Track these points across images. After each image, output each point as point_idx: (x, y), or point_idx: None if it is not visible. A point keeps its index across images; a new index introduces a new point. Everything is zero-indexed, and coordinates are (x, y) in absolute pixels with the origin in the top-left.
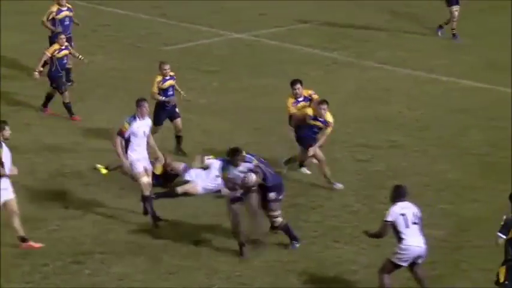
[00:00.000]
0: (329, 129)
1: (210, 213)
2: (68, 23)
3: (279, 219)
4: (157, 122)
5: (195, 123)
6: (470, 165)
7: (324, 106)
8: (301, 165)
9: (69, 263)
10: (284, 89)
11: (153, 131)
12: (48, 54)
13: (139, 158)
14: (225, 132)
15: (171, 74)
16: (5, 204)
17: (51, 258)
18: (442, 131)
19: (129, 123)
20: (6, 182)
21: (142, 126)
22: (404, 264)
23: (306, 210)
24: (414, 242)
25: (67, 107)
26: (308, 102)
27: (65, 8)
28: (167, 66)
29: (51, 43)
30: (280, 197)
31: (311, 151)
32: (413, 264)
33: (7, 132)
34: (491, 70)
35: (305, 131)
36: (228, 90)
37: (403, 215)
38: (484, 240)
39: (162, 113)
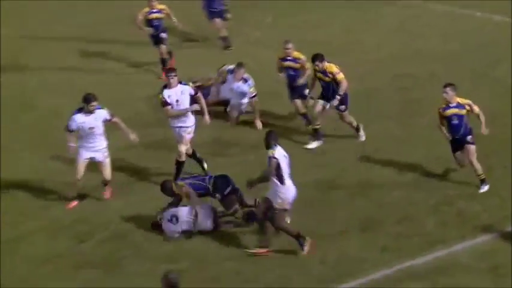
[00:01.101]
0: (476, 108)
1: None
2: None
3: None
4: (290, 98)
5: (250, 53)
6: (501, 94)
7: (447, 89)
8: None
9: None
10: (329, 23)
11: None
12: (140, 16)
13: (179, 125)
14: (275, 63)
15: (296, 55)
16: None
17: None
18: (475, 63)
19: (161, 94)
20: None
21: (174, 95)
22: (289, 206)
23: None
24: (291, 184)
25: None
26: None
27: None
28: (289, 45)
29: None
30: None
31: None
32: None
33: (92, 106)
34: None
35: (449, 130)
36: (280, 24)
37: (285, 156)
38: None
39: (290, 91)
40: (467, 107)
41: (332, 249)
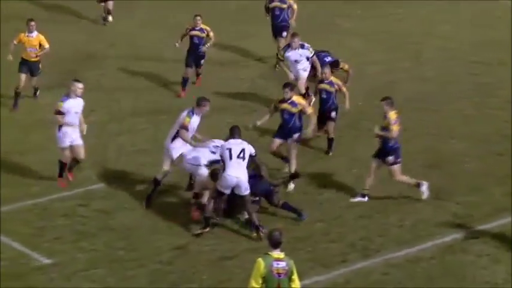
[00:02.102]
0: (393, 129)
1: None
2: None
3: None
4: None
5: (340, 42)
6: None
7: (382, 102)
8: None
9: None
10: (411, 15)
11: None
12: (184, 31)
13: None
14: (363, 50)
15: (335, 80)
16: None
17: None
18: None
19: (189, 117)
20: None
21: (197, 121)
22: (225, 191)
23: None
24: (233, 172)
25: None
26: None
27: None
28: (326, 70)
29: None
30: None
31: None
32: (239, 197)
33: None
34: None
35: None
36: (368, 16)
37: (229, 149)
38: None
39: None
40: (387, 123)
41: (409, 214)
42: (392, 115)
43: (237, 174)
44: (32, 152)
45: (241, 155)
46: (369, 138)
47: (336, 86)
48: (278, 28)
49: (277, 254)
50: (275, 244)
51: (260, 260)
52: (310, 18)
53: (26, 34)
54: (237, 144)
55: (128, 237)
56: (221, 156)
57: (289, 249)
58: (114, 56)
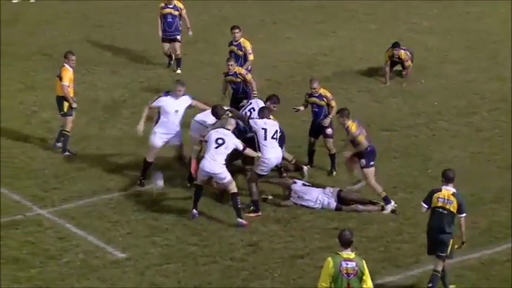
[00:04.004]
0: (360, 140)
1: None
2: (170, 20)
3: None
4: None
5: (417, 41)
6: None
7: (338, 114)
8: None
9: None
10: (489, 14)
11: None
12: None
13: None
14: (440, 49)
15: (323, 93)
16: None
17: None
18: None
19: None
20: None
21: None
22: (265, 173)
23: None
24: (271, 154)
25: None
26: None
27: (171, 6)
28: (315, 85)
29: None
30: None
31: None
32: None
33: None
34: None
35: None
36: (446, 15)
37: (264, 129)
38: None
39: (311, 127)
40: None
41: (483, 216)
42: (352, 127)
43: (276, 155)
44: (109, 147)
45: (275, 135)
46: (445, 138)
47: (324, 100)
48: None
49: (346, 253)
50: (345, 243)
51: (329, 259)
52: (388, 17)
53: (71, 70)
54: (272, 125)
55: (201, 233)
56: (255, 132)
57: (361, 249)
58: (189, 53)
